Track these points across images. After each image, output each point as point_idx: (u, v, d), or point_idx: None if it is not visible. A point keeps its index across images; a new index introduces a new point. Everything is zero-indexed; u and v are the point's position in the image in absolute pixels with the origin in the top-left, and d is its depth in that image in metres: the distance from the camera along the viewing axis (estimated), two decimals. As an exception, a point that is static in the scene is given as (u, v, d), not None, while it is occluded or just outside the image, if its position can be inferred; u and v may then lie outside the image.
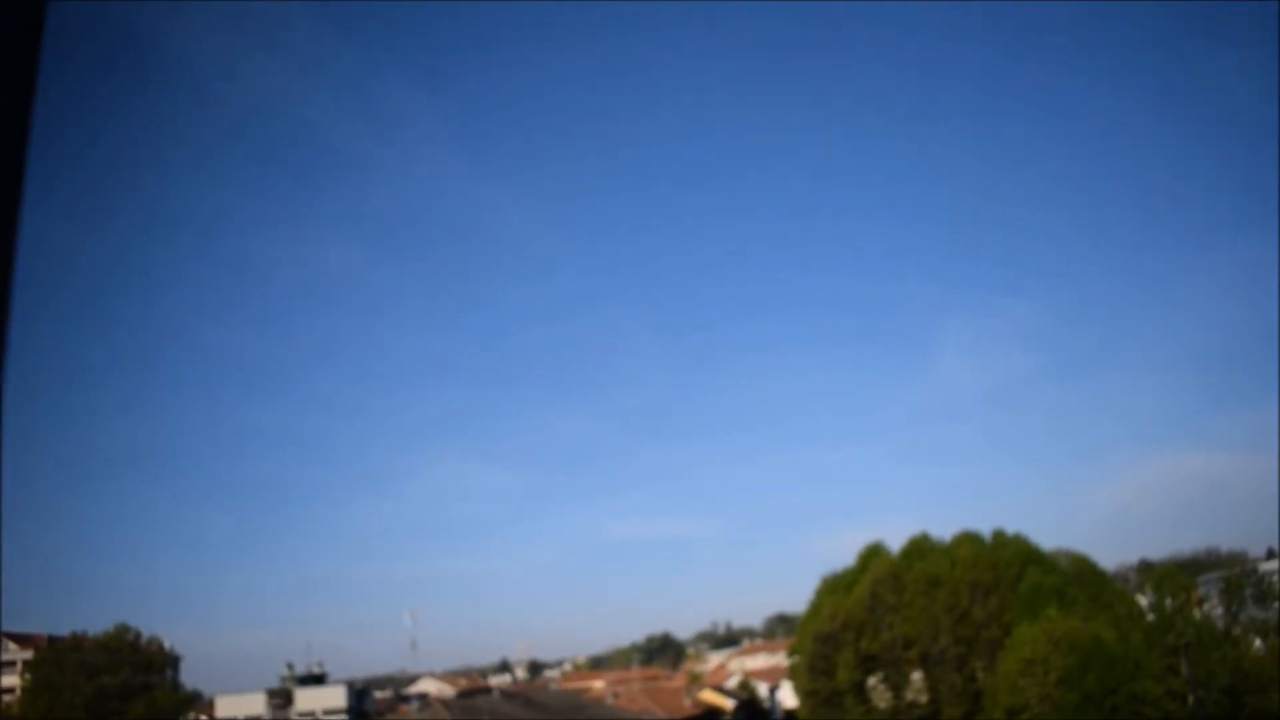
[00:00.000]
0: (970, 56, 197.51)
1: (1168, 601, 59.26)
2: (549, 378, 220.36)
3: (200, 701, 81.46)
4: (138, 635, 76.28)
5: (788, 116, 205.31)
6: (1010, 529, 71.16)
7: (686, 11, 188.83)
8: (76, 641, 73.72)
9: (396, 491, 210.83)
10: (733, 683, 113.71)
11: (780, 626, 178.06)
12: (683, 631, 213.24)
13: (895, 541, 74.77)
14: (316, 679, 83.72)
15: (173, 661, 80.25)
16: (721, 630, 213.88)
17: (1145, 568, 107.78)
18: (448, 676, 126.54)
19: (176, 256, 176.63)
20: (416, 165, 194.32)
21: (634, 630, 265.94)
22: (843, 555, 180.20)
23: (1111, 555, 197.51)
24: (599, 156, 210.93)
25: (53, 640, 75.76)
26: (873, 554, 74.38)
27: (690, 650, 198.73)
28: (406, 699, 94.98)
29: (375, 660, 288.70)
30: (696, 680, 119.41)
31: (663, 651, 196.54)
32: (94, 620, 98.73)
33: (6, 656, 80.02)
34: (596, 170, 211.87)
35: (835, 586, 74.56)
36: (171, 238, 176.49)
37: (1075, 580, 66.73)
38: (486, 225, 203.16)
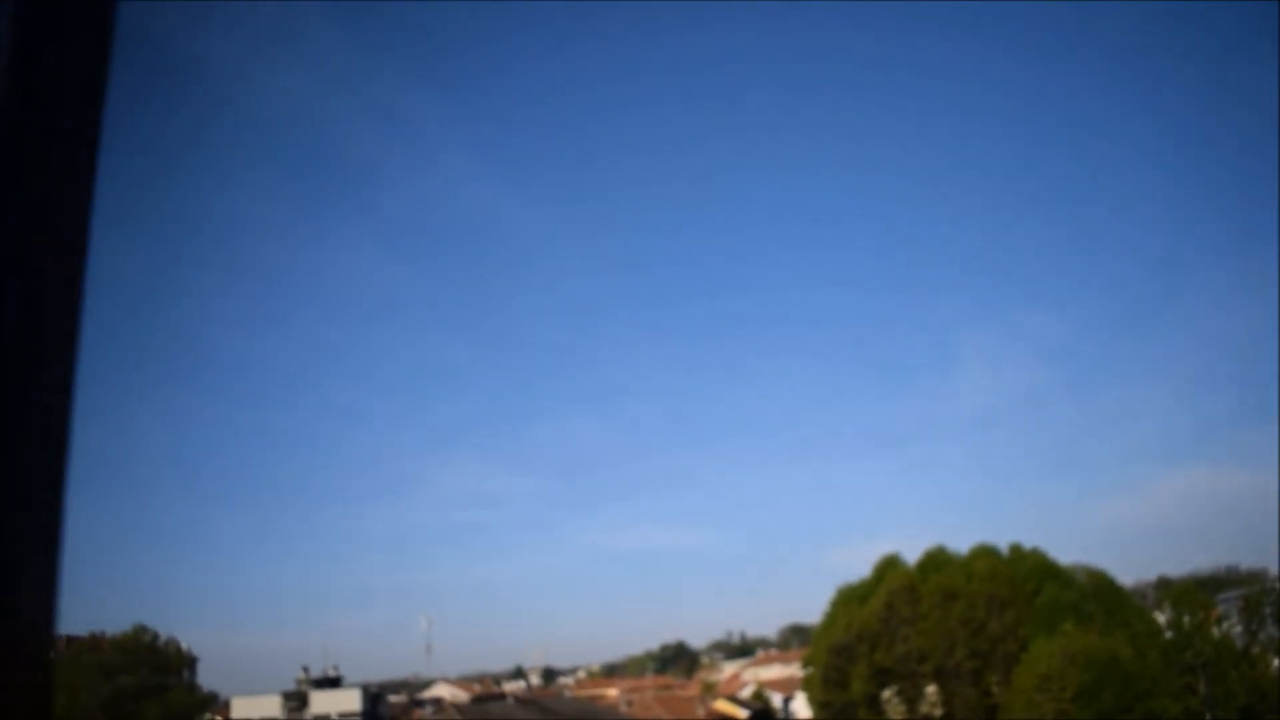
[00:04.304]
0: (973, 61, 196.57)
1: (1186, 619, 58.87)
2: (564, 383, 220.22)
3: (216, 703, 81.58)
4: (155, 636, 76.62)
5: (804, 121, 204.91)
6: (1027, 543, 70.90)
7: (703, 10, 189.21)
8: (94, 642, 74.03)
9: (411, 497, 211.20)
10: (747, 693, 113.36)
11: (795, 637, 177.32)
12: (697, 640, 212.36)
13: (911, 554, 74.59)
14: (332, 682, 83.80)
15: (190, 663, 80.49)
16: (736, 640, 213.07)
17: (1164, 584, 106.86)
18: (462, 682, 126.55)
19: (192, 261, 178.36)
20: (430, 169, 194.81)
21: (648, 638, 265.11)
22: (859, 566, 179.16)
23: (1129, 571, 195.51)
24: (612, 158, 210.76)
25: (70, 641, 76.12)
26: (889, 566, 74.23)
27: (704, 659, 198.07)
28: (421, 703, 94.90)
29: (390, 664, 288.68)
30: (710, 690, 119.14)
31: (677, 660, 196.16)
32: (112, 621, 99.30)
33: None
34: (610, 172, 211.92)
35: (851, 598, 74.43)
36: (186, 243, 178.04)
37: (1092, 596, 66.31)
38: (500, 229, 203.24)
